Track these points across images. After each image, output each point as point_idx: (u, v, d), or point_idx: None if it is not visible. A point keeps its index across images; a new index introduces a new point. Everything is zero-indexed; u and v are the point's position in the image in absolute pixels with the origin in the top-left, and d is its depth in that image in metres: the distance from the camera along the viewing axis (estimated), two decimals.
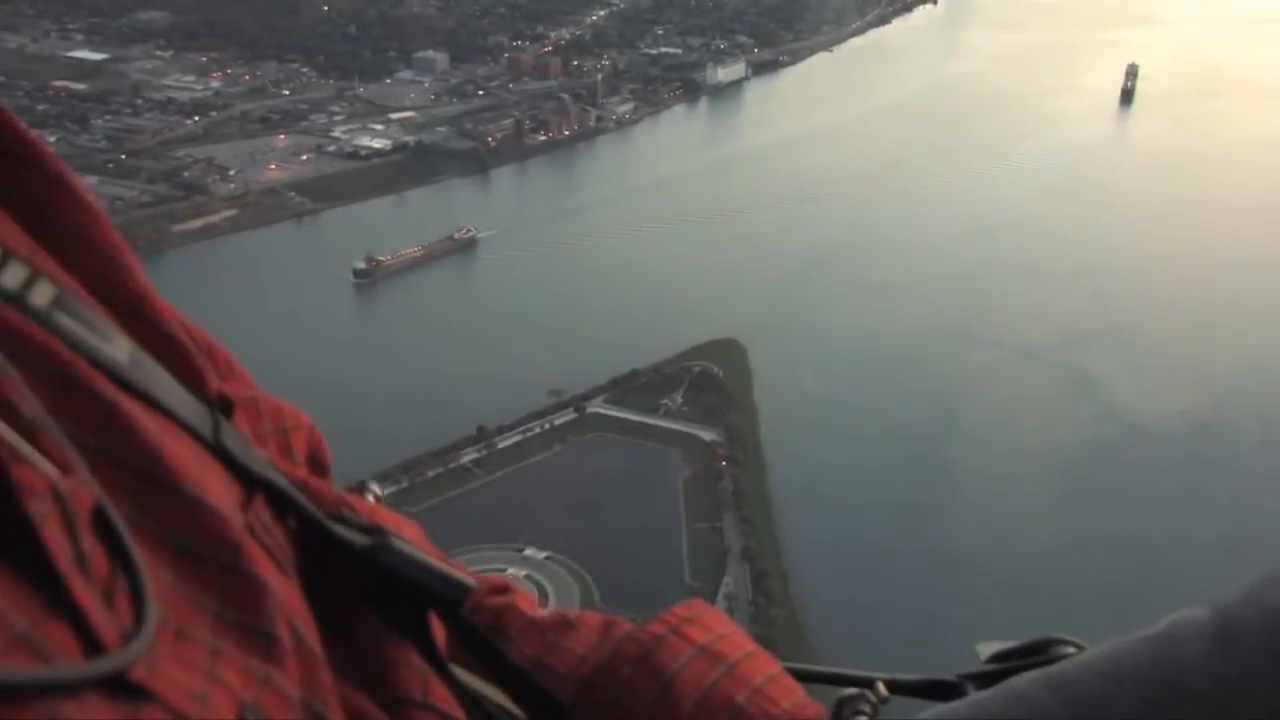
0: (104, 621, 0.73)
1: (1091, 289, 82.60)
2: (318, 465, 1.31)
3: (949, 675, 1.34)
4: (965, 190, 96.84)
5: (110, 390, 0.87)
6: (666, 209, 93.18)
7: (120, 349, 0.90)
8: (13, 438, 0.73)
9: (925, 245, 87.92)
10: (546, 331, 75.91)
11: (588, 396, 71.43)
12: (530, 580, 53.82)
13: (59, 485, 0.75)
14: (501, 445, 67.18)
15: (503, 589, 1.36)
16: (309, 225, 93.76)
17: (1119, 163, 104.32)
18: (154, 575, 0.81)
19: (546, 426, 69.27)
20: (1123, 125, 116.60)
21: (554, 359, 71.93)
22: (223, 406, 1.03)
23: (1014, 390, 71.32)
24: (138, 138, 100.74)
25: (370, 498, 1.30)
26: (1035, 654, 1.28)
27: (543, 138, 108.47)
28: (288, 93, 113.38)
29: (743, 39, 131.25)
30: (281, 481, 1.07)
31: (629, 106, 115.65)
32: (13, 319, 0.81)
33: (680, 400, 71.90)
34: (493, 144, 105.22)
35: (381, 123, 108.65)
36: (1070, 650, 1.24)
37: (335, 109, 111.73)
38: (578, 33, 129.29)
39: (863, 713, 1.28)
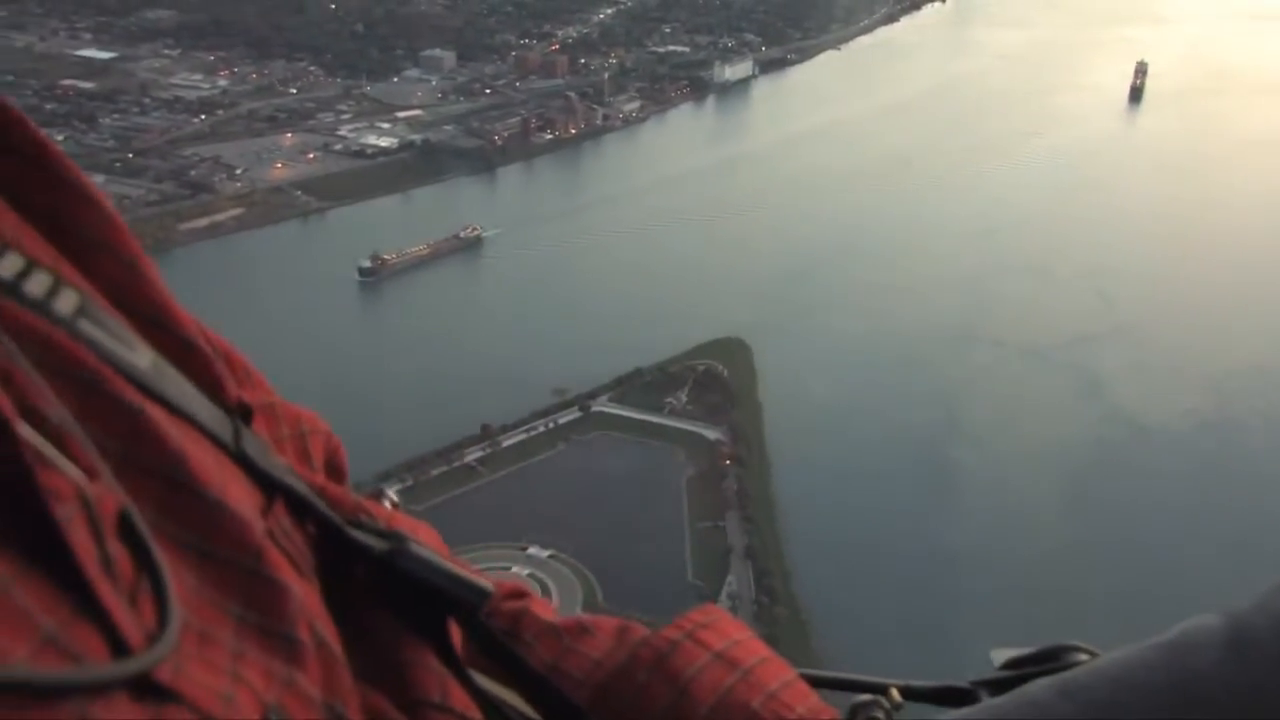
0: (130, 624, 0.75)
1: (1098, 289, 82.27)
2: (335, 470, 1.32)
3: (963, 681, 1.34)
4: (973, 189, 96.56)
5: (135, 397, 0.88)
6: (672, 208, 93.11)
7: (142, 356, 0.91)
8: (40, 443, 0.74)
9: (932, 245, 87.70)
10: (551, 330, 75.91)
11: (592, 395, 71.37)
12: (533, 579, 53.78)
13: (85, 490, 0.76)
14: (506, 444, 67.12)
15: (519, 593, 1.39)
16: (315, 224, 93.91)
17: (1128, 161, 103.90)
18: (177, 579, 0.82)
19: (551, 425, 69.21)
20: (1131, 123, 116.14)
21: (559, 357, 71.93)
22: (242, 413, 1.04)
23: (1019, 391, 71.10)
24: (145, 136, 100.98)
25: (387, 503, 1.30)
26: (1049, 660, 1.27)
27: (549, 136, 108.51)
28: (295, 91, 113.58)
29: (750, 37, 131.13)
30: (301, 487, 1.08)
31: (636, 105, 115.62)
32: (39, 325, 0.83)
33: (685, 399, 71.80)
34: (499, 142, 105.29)
35: (388, 121, 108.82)
36: (1084, 657, 1.24)
37: (342, 107, 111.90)
38: (585, 31, 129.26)
39: (876, 718, 1.29)
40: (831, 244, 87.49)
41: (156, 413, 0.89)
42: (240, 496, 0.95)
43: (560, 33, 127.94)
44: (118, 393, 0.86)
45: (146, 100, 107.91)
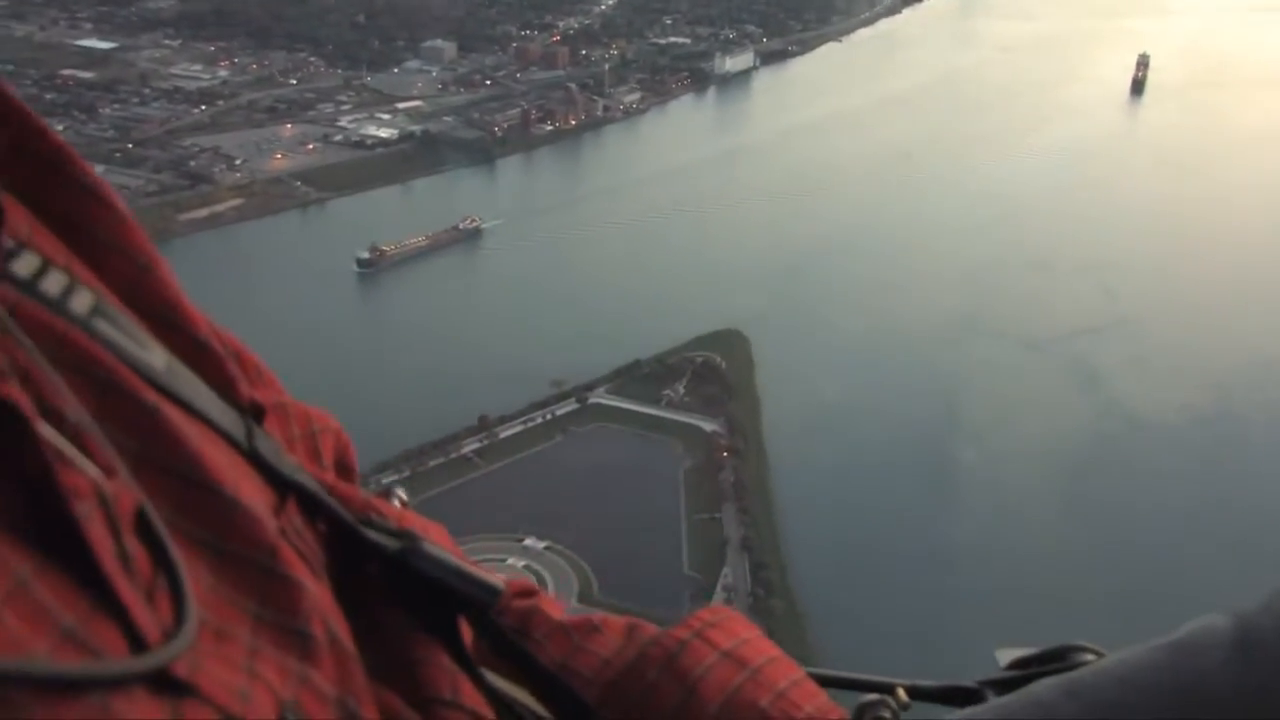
0: (147, 620, 0.75)
1: (1100, 283, 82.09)
2: (345, 469, 1.32)
3: (969, 681, 1.35)
4: (974, 182, 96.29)
5: (151, 396, 0.89)
6: (672, 199, 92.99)
7: (157, 356, 0.92)
8: (59, 441, 0.75)
9: (932, 238, 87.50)
10: (550, 321, 75.84)
11: (590, 387, 71.34)
12: (529, 570, 53.86)
13: (103, 487, 0.77)
14: (503, 435, 67.11)
15: (529, 592, 1.40)
16: (315, 214, 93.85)
17: (1129, 154, 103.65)
18: (194, 576, 0.83)
19: (548, 417, 69.23)
20: (1133, 116, 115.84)
21: (557, 349, 71.89)
22: (254, 412, 1.05)
23: (1018, 384, 70.93)
24: (145, 127, 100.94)
25: (396, 502, 1.31)
26: (1055, 661, 1.28)
27: (549, 127, 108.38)
28: (295, 82, 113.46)
29: (751, 29, 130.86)
30: (313, 486, 1.09)
31: (636, 96, 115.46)
32: (55, 324, 0.83)
33: (682, 391, 71.76)
34: (499, 134, 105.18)
35: (388, 112, 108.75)
36: (1090, 657, 1.25)
37: (342, 98, 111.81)
38: (586, 22, 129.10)
39: (883, 718, 1.29)
40: (831, 236, 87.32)
41: (172, 412, 0.90)
42: (254, 495, 0.96)
43: (561, 24, 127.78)
44: (134, 392, 0.87)
45: (146, 90, 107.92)
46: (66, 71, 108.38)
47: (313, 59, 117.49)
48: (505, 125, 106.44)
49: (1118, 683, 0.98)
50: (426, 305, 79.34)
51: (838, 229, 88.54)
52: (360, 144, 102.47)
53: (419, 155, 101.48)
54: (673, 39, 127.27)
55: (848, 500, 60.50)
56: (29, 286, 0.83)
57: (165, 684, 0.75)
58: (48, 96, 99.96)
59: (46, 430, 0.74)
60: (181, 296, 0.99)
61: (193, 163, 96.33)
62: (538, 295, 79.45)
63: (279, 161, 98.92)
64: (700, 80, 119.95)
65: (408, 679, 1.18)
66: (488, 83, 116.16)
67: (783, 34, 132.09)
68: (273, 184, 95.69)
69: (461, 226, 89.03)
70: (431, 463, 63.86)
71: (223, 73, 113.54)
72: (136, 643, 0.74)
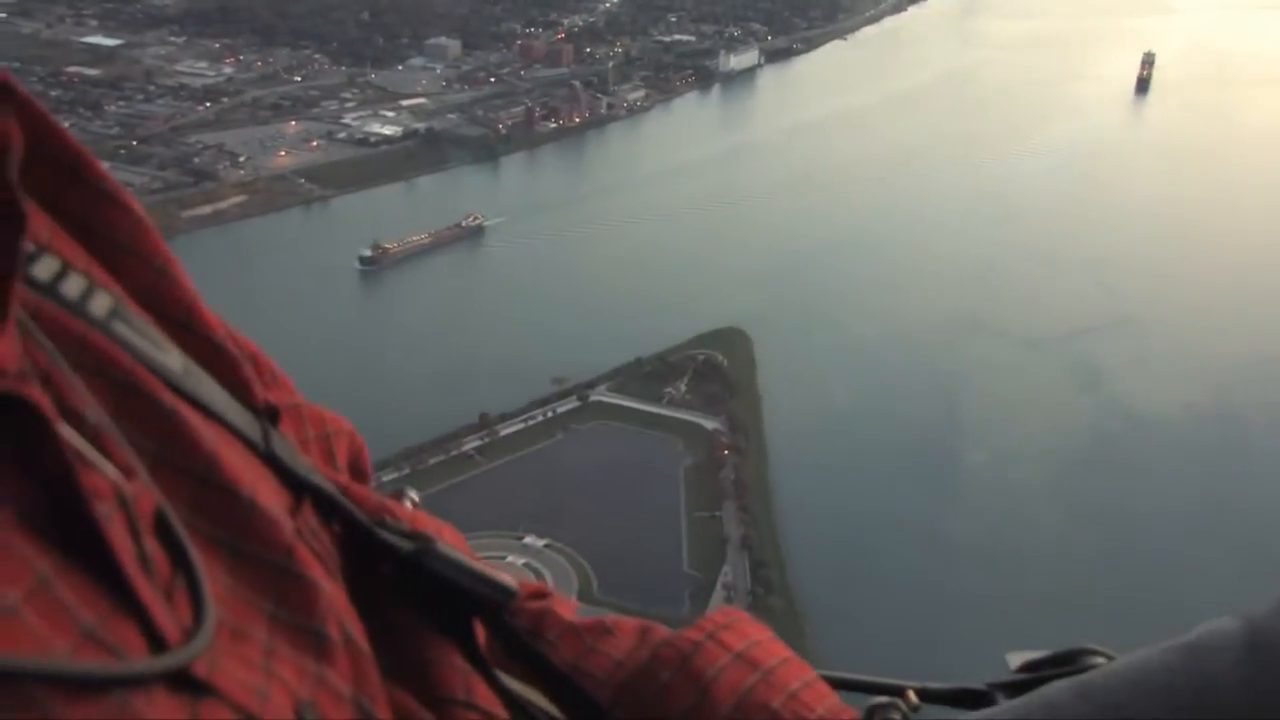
0: (167, 620, 0.76)
1: (1103, 281, 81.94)
2: (358, 471, 1.33)
3: (979, 684, 1.35)
4: (977, 180, 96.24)
5: (169, 398, 0.90)
6: (675, 197, 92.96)
7: (174, 358, 0.94)
8: (79, 442, 0.76)
9: (935, 236, 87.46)
10: (551, 319, 75.90)
11: (591, 385, 71.35)
12: (529, 568, 53.89)
13: (123, 488, 0.78)
14: (504, 433, 67.15)
15: (541, 593, 1.41)
16: (318, 212, 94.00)
17: (1134, 152, 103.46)
18: (211, 576, 0.84)
19: (549, 414, 69.26)
20: (1138, 114, 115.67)
21: (558, 346, 71.92)
22: (270, 415, 1.05)
23: (1020, 381, 70.86)
24: (149, 124, 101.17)
25: (408, 503, 1.32)
26: (1065, 663, 1.28)
27: (553, 125, 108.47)
28: (299, 79, 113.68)
29: (756, 26, 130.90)
30: (328, 487, 1.10)
31: (640, 94, 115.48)
32: (75, 326, 0.84)
33: (684, 389, 71.76)
34: (503, 131, 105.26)
35: (393, 109, 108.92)
36: (1100, 660, 1.25)
37: (347, 95, 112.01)
38: (591, 19, 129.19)
39: None
40: (834, 234, 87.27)
41: (189, 414, 0.91)
42: (270, 496, 0.97)
43: (566, 21, 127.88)
44: (152, 393, 0.88)
45: (151, 87, 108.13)
46: (72, 69, 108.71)
47: (317, 56, 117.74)
48: (509, 123, 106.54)
49: (1129, 685, 0.98)
50: (428, 303, 79.45)
51: (840, 227, 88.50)
52: (364, 141, 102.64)
53: (423, 153, 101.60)
54: (677, 36, 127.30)
55: (848, 499, 60.47)
56: (49, 289, 0.84)
57: (184, 683, 0.76)
58: (53, 94, 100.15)
59: (67, 431, 0.75)
60: (197, 300, 1.00)
61: (197, 160, 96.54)
62: (540, 292, 79.52)
63: (283, 159, 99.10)
64: (705, 78, 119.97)
65: (421, 679, 1.19)
66: (492, 80, 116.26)
67: (787, 32, 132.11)
68: (276, 181, 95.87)
69: (464, 224, 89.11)
70: (432, 460, 63.86)
71: (227, 70, 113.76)
72: (156, 642, 0.75)
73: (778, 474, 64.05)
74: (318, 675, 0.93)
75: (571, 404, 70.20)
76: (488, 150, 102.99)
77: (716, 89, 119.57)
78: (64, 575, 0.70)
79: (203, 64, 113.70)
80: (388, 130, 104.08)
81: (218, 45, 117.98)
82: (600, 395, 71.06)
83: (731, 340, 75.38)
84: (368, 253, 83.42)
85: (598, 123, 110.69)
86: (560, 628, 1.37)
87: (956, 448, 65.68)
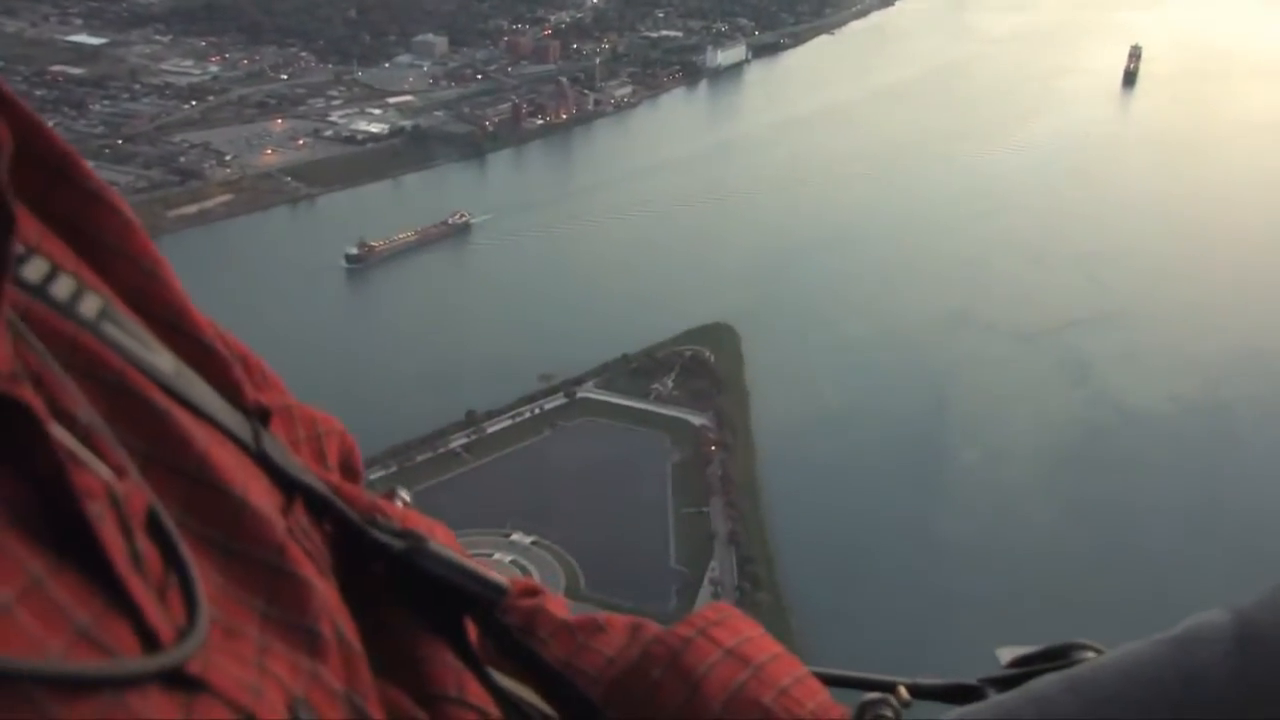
0: (159, 618, 0.77)
1: (1090, 274, 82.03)
2: (350, 471, 1.34)
3: (970, 679, 1.36)
4: (965, 174, 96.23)
5: (161, 398, 0.90)
6: (661, 193, 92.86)
7: (164, 359, 0.94)
8: (71, 443, 0.76)
9: (923, 230, 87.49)
10: (538, 316, 75.78)
11: (578, 381, 71.25)
12: (516, 565, 53.79)
13: (114, 488, 0.78)
14: (491, 430, 67.08)
15: (533, 591, 1.42)
16: (304, 210, 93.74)
17: (1121, 146, 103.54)
18: (203, 575, 0.84)
19: (536, 411, 69.15)
20: (1125, 107, 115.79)
21: (545, 343, 71.81)
22: (261, 415, 1.06)
23: (1009, 376, 70.88)
24: (134, 123, 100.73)
25: (399, 503, 1.32)
26: (1056, 658, 1.29)
27: (540, 122, 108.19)
28: (286, 77, 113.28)
29: (743, 22, 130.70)
30: (320, 487, 1.11)
31: (627, 90, 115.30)
32: (65, 328, 0.85)
33: (671, 385, 71.70)
34: (490, 128, 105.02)
35: (379, 107, 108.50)
36: (1090, 654, 1.25)
37: (333, 93, 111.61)
38: (578, 15, 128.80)
39: (885, 716, 1.30)
40: (822, 230, 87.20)
41: (180, 414, 0.92)
42: (262, 496, 0.98)
43: (553, 18, 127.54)
44: (144, 394, 0.89)
45: (136, 86, 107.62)
46: (57, 68, 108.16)
47: (304, 54, 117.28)
48: (496, 120, 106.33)
49: (1118, 677, 0.99)
50: (415, 301, 79.26)
51: (828, 223, 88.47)
52: (351, 139, 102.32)
53: (409, 150, 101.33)
54: (664, 32, 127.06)
55: (836, 494, 60.47)
56: (39, 291, 0.84)
57: (178, 680, 0.76)
58: (37, 93, 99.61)
59: (59, 432, 0.75)
60: (186, 301, 1.00)
61: (183, 159, 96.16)
62: (526, 289, 79.40)
63: (269, 157, 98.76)
64: (692, 74, 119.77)
65: (414, 676, 1.19)
66: (479, 77, 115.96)
67: (775, 27, 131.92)
68: (262, 180, 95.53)
69: (450, 222, 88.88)
70: (419, 458, 63.76)
71: (213, 68, 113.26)
72: (149, 640, 0.75)
73: (765, 469, 64.03)
74: (311, 672, 0.93)
75: (559, 401, 70.11)
76: (474, 147, 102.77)
77: (704, 85, 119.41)
78: (57, 575, 0.71)
79: (188, 62, 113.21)
80: (374, 128, 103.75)
81: (203, 43, 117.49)
82: (587, 392, 70.96)
83: (719, 336, 75.33)
84: (354, 251, 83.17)
85: (585, 119, 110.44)
86: (552, 625, 1.37)
87: (945, 443, 65.67)
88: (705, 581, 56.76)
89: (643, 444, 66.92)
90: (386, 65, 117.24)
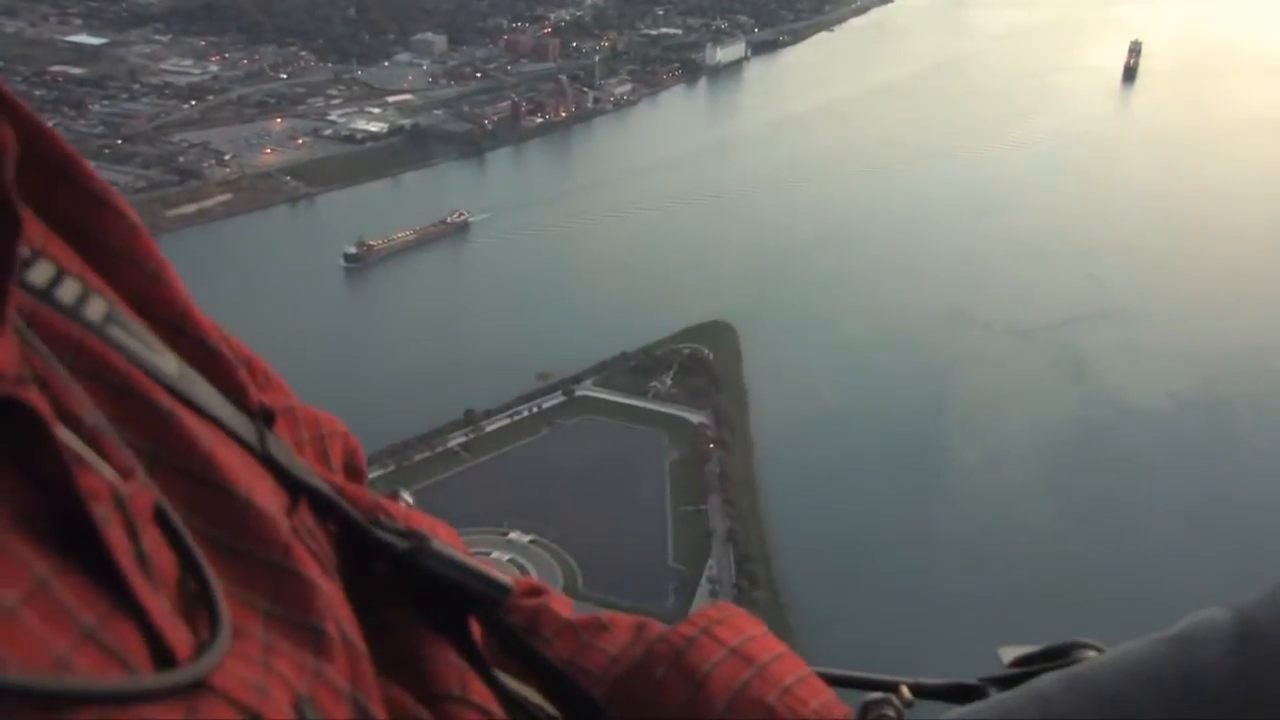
0: (165, 620, 0.77)
1: (1090, 270, 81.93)
2: (353, 471, 1.34)
3: (972, 679, 1.36)
4: (965, 171, 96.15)
5: (165, 400, 0.91)
6: (660, 191, 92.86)
7: (169, 361, 0.94)
8: (77, 445, 0.77)
9: (922, 228, 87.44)
10: (537, 314, 75.81)
11: (577, 379, 71.27)
12: (514, 564, 53.81)
13: (119, 489, 0.78)
14: (489, 429, 67.10)
15: (537, 590, 1.42)
16: (304, 209, 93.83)
17: (1120, 142, 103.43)
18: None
19: (535, 410, 69.15)
20: (1125, 103, 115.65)
21: (544, 341, 71.84)
22: (265, 416, 1.06)
23: (1008, 374, 70.83)
24: (134, 123, 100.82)
25: (403, 503, 1.33)
26: (1057, 657, 1.28)
27: (539, 120, 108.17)
28: (285, 76, 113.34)
29: (743, 19, 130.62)
30: (324, 488, 1.12)
31: (627, 88, 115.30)
32: (71, 331, 0.85)
33: (669, 383, 71.71)
34: (489, 126, 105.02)
35: (378, 106, 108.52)
36: (1092, 653, 1.25)
37: (333, 92, 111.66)
38: (577, 13, 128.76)
39: (887, 716, 1.31)
40: (821, 228, 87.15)
41: (185, 416, 0.92)
42: (267, 496, 0.98)
43: (552, 16, 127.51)
44: (149, 396, 0.89)
45: (136, 86, 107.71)
46: (56, 68, 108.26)
47: (303, 53, 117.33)
48: (495, 118, 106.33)
49: (1119, 675, 0.99)
50: (413, 300, 79.27)
51: (827, 220, 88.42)
52: (350, 138, 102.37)
53: (408, 149, 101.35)
54: (664, 30, 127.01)
55: (834, 493, 60.41)
56: (45, 294, 0.85)
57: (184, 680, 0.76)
58: (37, 93, 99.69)
59: (64, 434, 0.75)
60: (190, 303, 1.00)
61: (182, 158, 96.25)
62: (525, 288, 79.41)
63: (268, 156, 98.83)
64: (691, 71, 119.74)
65: (417, 675, 1.19)
66: (478, 75, 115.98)
67: (774, 23, 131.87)
68: (261, 179, 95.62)
69: (449, 220, 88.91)
70: (417, 457, 63.82)
71: (213, 68, 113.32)
72: (155, 642, 0.75)
73: (763, 468, 64.02)
74: (316, 671, 0.94)
75: (557, 399, 70.15)
76: (474, 146, 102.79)
77: (703, 82, 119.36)
78: (63, 577, 0.71)
79: (188, 62, 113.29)
80: (373, 127, 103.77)
81: (203, 43, 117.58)
82: (585, 390, 71.00)
83: (717, 334, 75.33)
84: (352, 250, 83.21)
85: (584, 117, 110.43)
86: (556, 624, 1.37)
87: (943, 441, 65.61)
88: (703, 580, 56.79)
89: (641, 442, 66.93)
90: (386, 64, 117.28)
